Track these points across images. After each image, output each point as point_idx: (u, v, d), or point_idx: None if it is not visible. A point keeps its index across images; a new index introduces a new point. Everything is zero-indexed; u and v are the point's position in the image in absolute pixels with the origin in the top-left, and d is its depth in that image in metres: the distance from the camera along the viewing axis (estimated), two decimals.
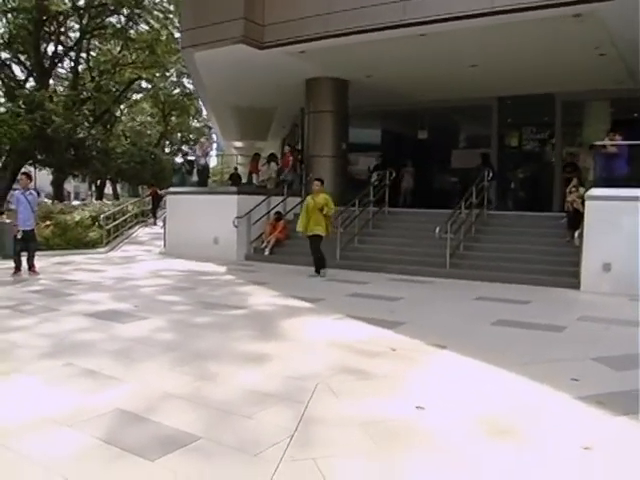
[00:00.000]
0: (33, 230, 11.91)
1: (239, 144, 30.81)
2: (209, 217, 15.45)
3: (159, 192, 26.97)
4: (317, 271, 12.01)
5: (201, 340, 6.46)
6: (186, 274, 12.22)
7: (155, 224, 25.11)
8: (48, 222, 16.71)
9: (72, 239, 16.69)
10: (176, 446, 3.67)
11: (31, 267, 11.74)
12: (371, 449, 3.68)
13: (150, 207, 27.75)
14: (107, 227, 18.75)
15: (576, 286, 10.45)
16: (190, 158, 19.31)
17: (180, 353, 5.90)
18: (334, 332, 6.90)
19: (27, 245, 11.73)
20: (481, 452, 3.66)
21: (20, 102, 27.82)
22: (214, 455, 3.59)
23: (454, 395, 4.70)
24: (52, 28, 34.40)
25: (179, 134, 57.88)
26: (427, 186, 19.46)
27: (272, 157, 19.38)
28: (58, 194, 33.80)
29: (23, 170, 23.99)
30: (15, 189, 12.18)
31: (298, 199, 16.88)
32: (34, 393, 4.75)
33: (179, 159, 22.76)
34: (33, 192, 12.25)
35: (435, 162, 20.20)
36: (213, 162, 62.17)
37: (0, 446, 3.70)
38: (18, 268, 11.58)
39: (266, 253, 14.89)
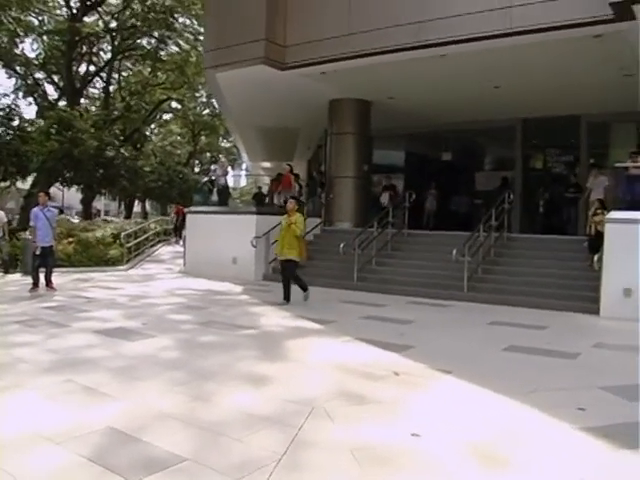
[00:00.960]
0: (52, 247, 12.02)
1: (267, 164, 30.97)
2: (228, 237, 15.44)
3: (184, 211, 27.10)
4: (304, 289, 10.90)
5: (204, 360, 6.40)
6: (201, 293, 12.22)
7: (178, 243, 25.23)
8: (70, 239, 16.90)
9: (93, 256, 16.85)
10: (160, 467, 3.61)
11: (48, 283, 11.84)
12: (357, 476, 3.57)
13: (172, 226, 27.87)
14: (128, 245, 18.90)
15: (595, 312, 10.18)
16: (212, 177, 19.39)
17: (181, 372, 5.84)
18: (340, 355, 6.79)
19: (45, 261, 11.85)
20: None
21: (51, 121, 28.32)
22: (196, 478, 3.52)
23: (452, 422, 4.56)
24: (84, 49, 35.15)
25: (208, 154, 58.49)
26: (450, 208, 19.33)
27: (296, 178, 19.40)
28: (87, 212, 34.29)
29: (45, 189, 24.43)
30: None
31: (318, 219, 16.92)
32: (30, 408, 4.75)
33: (205, 178, 22.91)
34: (52, 209, 12.38)
35: (458, 184, 20.01)
36: (243, 182, 62.83)
37: None
38: (36, 284, 11.69)
39: None
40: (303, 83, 15.35)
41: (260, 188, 25.38)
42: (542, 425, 4.53)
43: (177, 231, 26.92)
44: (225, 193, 18.00)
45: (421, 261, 13.73)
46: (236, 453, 3.88)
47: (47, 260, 11.90)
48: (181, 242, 22.48)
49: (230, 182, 19.08)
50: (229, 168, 20.15)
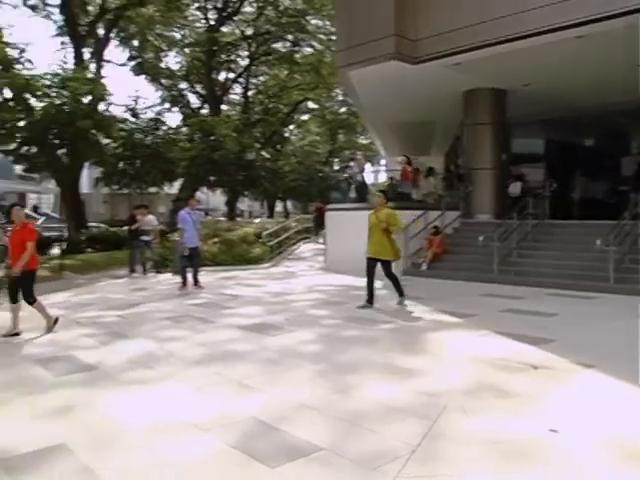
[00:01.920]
0: (197, 247, 12.74)
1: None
2: (366, 232, 15.53)
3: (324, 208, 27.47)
4: (401, 295, 10.05)
5: (344, 354, 6.56)
6: (341, 289, 12.45)
7: (318, 240, 25.66)
8: (215, 239, 17.73)
9: (237, 255, 17.54)
10: (298, 455, 3.80)
11: (196, 282, 12.57)
12: (492, 470, 3.58)
13: (313, 223, 28.33)
14: (270, 243, 19.57)
15: None
16: (350, 175, 19.65)
17: (321, 366, 6.04)
18: (478, 348, 6.73)
19: (191, 262, 12.57)
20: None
21: (194, 128, 29.94)
22: (332, 466, 3.67)
23: (592, 418, 4.42)
24: (223, 57, 36.77)
25: (347, 151, 59.23)
26: (596, 196, 18.42)
27: (430, 171, 19.29)
28: (231, 213, 35.80)
29: (191, 194, 25.84)
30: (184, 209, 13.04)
31: (456, 213, 16.69)
32: (181, 399, 5.13)
33: (345, 175, 23.23)
34: (197, 212, 13.10)
35: (604, 170, 18.99)
36: (383, 177, 62.96)
37: (142, 446, 4.08)
38: (184, 283, 12.45)
39: (423, 268, 14.76)
40: (436, 75, 15.19)
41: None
42: None
43: (317, 228, 27.38)
44: (363, 189, 18.13)
45: (564, 252, 13.20)
46: (371, 444, 4.00)
47: (193, 260, 12.63)
48: (320, 239, 22.90)
49: (370, 178, 19.23)
50: (366, 165, 20.28)
